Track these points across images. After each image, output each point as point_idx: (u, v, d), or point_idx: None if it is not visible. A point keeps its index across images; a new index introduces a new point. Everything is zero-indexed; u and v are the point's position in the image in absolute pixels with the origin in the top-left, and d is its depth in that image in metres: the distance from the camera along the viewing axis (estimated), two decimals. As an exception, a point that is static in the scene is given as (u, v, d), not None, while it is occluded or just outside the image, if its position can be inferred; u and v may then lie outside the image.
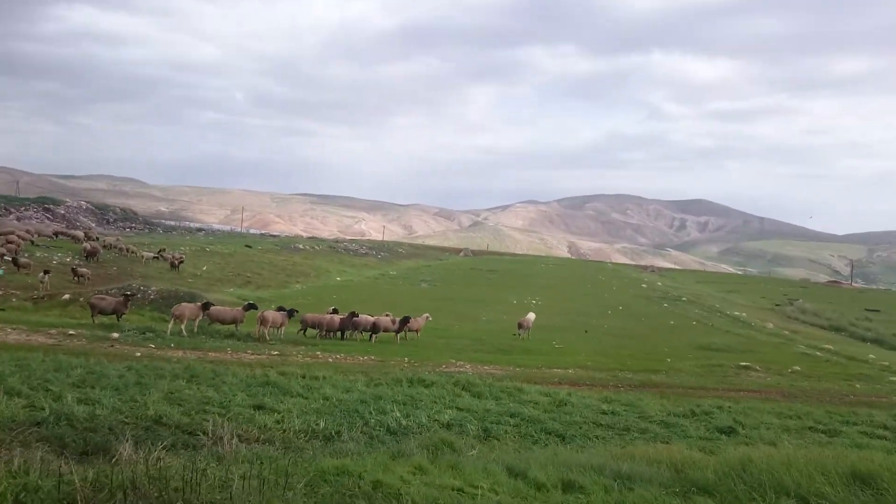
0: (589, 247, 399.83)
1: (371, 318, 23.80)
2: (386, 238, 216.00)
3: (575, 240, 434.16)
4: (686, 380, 20.07)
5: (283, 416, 10.90)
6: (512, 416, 12.73)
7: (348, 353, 19.42)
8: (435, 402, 13.46)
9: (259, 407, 11.43)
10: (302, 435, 10.12)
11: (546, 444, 10.97)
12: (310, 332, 23.63)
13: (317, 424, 10.52)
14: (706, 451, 10.08)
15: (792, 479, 6.28)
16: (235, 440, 7.54)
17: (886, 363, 28.37)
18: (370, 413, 11.80)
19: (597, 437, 11.95)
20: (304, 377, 14.49)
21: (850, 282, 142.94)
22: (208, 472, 5.10)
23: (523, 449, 10.07)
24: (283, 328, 21.96)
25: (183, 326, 19.97)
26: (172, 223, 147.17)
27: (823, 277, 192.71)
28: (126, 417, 9.79)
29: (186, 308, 20.53)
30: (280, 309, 22.66)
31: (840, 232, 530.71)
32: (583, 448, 9.73)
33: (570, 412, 13.64)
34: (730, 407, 15.83)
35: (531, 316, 33.91)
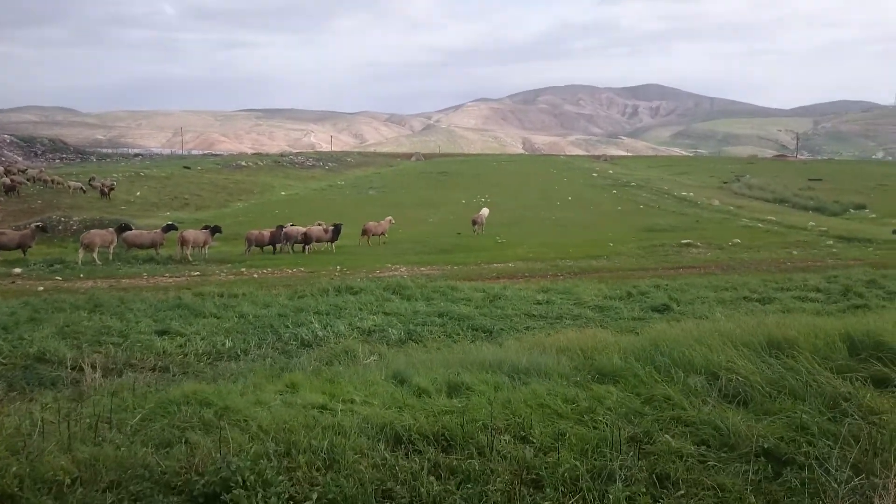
0: (543, 141, 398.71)
1: (301, 229, 22.77)
2: (337, 149, 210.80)
3: (529, 135, 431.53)
4: (626, 262, 19.88)
5: (186, 340, 10.12)
6: (440, 315, 12.21)
7: (276, 268, 18.55)
8: (361, 308, 12.84)
9: (163, 332, 10.62)
10: (205, 357, 9.40)
11: (473, 341, 10.51)
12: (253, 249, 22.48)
13: (223, 345, 9.78)
14: (632, 331, 9.74)
15: (702, 355, 5.81)
16: (99, 372, 6.71)
17: (824, 228, 28.84)
18: (286, 327, 11.12)
19: (527, 328, 11.55)
20: (221, 296, 13.65)
21: (795, 155, 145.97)
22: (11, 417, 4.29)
23: (444, 348, 9.57)
24: (207, 247, 20.81)
25: (95, 255, 18.65)
26: (108, 151, 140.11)
27: (771, 153, 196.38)
28: (3, 358, 8.87)
29: (97, 235, 19.11)
30: (206, 228, 21.40)
31: (787, 106, 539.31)
32: (500, 342, 9.24)
33: (502, 306, 13.21)
34: (667, 285, 15.66)
35: (485, 211, 33.39)
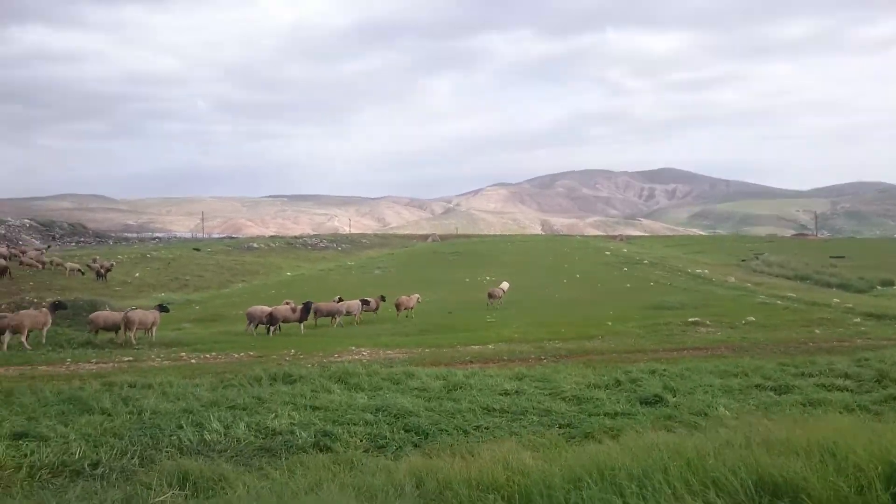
0: (561, 223, 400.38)
1: (267, 309, 20.87)
2: (359, 231, 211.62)
3: (547, 217, 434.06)
4: (623, 343, 17.54)
5: (39, 446, 8.05)
6: (377, 411, 10.03)
7: (223, 352, 16.52)
8: (288, 402, 10.70)
9: (21, 435, 8.56)
10: (45, 470, 7.30)
11: (399, 448, 8.32)
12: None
13: (72, 454, 7.69)
14: (594, 438, 7.51)
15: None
16: None
17: (850, 305, 26.27)
18: (179, 427, 9.00)
19: (477, 427, 9.31)
20: (133, 386, 11.62)
21: (815, 233, 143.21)
22: None
23: (354, 459, 7.41)
24: (155, 328, 18.86)
25: (24, 338, 16.82)
26: (132, 235, 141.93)
27: (791, 233, 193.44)
28: None
29: (26, 316, 17.35)
30: (162, 307, 19.54)
31: (805, 188, 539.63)
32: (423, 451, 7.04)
33: (459, 398, 10.98)
34: (665, 370, 13.33)
35: (505, 285, 31.48)
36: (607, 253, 69.73)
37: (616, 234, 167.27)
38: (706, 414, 9.68)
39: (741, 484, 3.75)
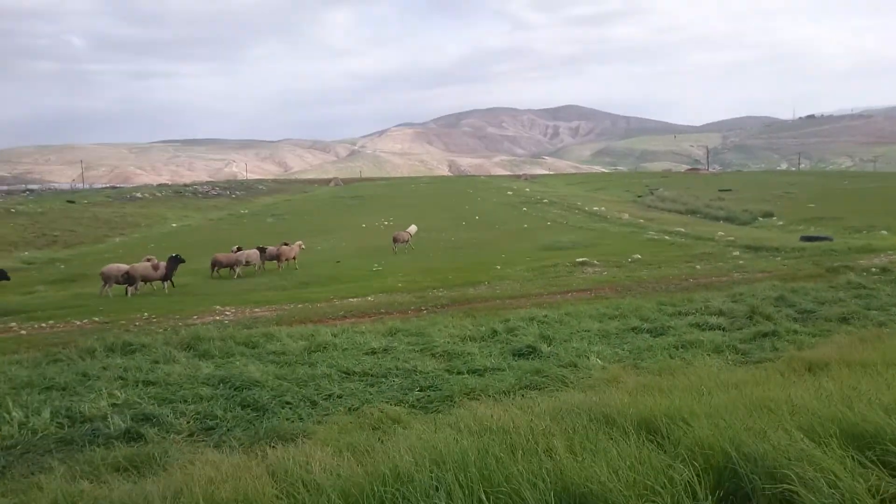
0: (469, 163, 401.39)
1: (124, 267, 18.85)
2: (261, 177, 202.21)
3: (454, 157, 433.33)
4: (509, 288, 17.01)
5: None
6: (221, 382, 8.89)
7: (63, 319, 14.65)
8: (118, 378, 9.35)
9: None
10: None
11: (229, 429, 7.24)
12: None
13: None
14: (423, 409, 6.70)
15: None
16: None
17: (732, 238, 27.10)
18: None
19: (330, 396, 8.35)
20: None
21: (706, 168, 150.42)
22: None
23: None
24: None
25: None
26: (3, 188, 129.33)
27: (686, 167, 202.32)
28: None
29: None
30: None
31: (698, 123, 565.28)
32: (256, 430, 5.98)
33: (318, 361, 9.98)
34: (545, 316, 12.84)
35: (413, 228, 30.38)
36: (509, 193, 70.02)
37: (521, 173, 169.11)
38: (576, 365, 9.14)
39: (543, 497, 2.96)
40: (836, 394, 4.17)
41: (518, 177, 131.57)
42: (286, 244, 25.48)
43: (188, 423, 7.47)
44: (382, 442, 4.89)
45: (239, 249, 24.44)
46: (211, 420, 7.49)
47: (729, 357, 9.46)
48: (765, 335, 10.77)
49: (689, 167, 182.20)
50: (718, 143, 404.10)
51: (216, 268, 23.41)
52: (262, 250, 24.62)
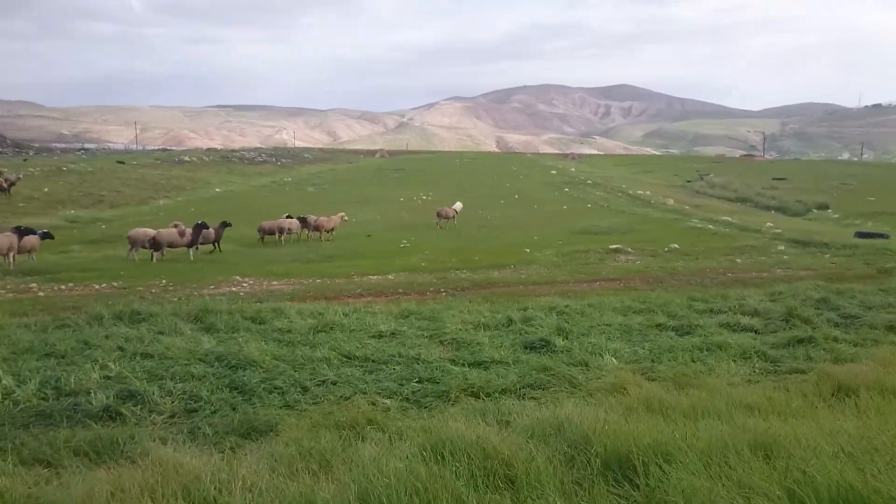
0: (517, 140, 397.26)
1: (151, 232, 18.87)
2: (310, 145, 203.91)
3: (502, 134, 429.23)
4: (534, 274, 16.39)
5: None
6: (218, 360, 8.65)
7: (81, 282, 14.70)
8: (118, 349, 9.21)
9: None
10: None
11: (213, 412, 6.97)
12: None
13: None
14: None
15: None
16: None
17: (779, 230, 25.75)
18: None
19: (324, 382, 8.00)
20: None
21: (762, 154, 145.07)
22: None
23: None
24: (12, 254, 16.41)
25: None
26: (62, 146, 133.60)
27: (740, 153, 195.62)
28: None
29: None
30: (21, 230, 17.08)
31: (756, 108, 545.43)
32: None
33: (321, 343, 9.65)
34: (566, 306, 12.24)
35: (458, 205, 30.06)
36: (553, 172, 68.66)
37: (570, 152, 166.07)
38: (587, 364, 8.58)
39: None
40: (855, 434, 3.56)
41: (565, 156, 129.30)
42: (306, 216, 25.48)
43: (172, 402, 7.23)
44: (344, 450, 4.48)
45: (289, 217, 25.00)
46: (195, 402, 7.23)
47: (756, 365, 8.76)
48: (800, 341, 9.97)
49: (744, 153, 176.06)
50: (777, 130, 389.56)
51: (262, 234, 23.97)
52: (303, 220, 24.84)
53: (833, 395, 5.79)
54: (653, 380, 7.73)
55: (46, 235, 18.22)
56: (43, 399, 7.26)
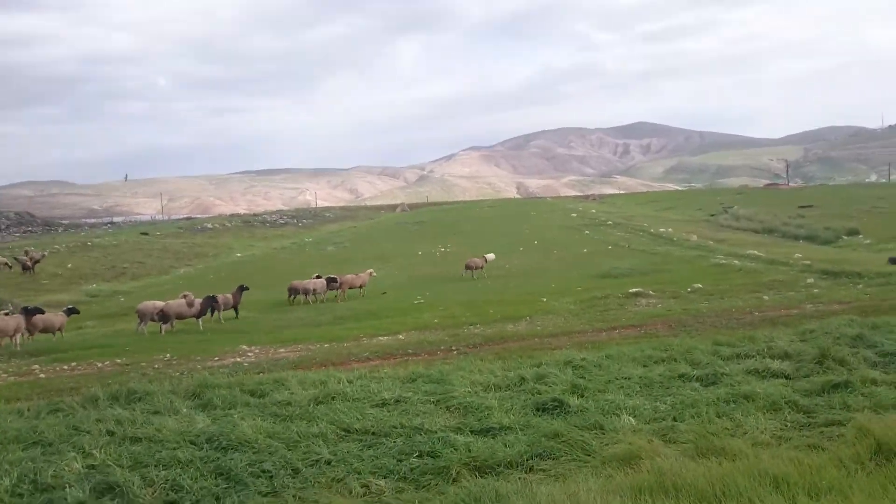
0: (537, 185, 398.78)
1: (159, 304, 18.71)
2: (333, 204, 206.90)
3: (522, 179, 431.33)
4: (550, 325, 15.78)
5: None
6: (209, 441, 8.19)
7: (85, 360, 14.46)
8: (108, 433, 8.81)
9: None
10: None
11: (196, 501, 6.47)
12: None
13: None
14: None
15: None
16: None
17: (808, 262, 24.81)
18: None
19: (317, 462, 7.47)
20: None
21: (787, 182, 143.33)
22: None
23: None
24: (18, 335, 16.29)
25: None
26: (91, 221, 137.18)
27: (764, 182, 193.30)
28: None
29: None
30: (28, 310, 16.95)
31: (777, 135, 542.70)
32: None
33: (320, 416, 9.14)
34: (582, 359, 11.59)
35: (490, 256, 29.95)
36: (573, 215, 68.25)
37: (591, 193, 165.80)
38: (602, 427, 7.93)
39: None
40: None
41: (586, 197, 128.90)
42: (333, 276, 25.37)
43: (154, 493, 6.76)
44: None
45: (318, 277, 25.13)
46: (176, 492, 6.74)
47: (788, 418, 8.02)
48: (835, 386, 9.19)
49: (768, 182, 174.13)
50: (800, 156, 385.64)
51: (293, 295, 24.05)
52: (331, 280, 24.88)
53: (871, 458, 5.11)
54: (672, 442, 7.06)
55: (72, 311, 18.24)
56: (19, 496, 6.84)
